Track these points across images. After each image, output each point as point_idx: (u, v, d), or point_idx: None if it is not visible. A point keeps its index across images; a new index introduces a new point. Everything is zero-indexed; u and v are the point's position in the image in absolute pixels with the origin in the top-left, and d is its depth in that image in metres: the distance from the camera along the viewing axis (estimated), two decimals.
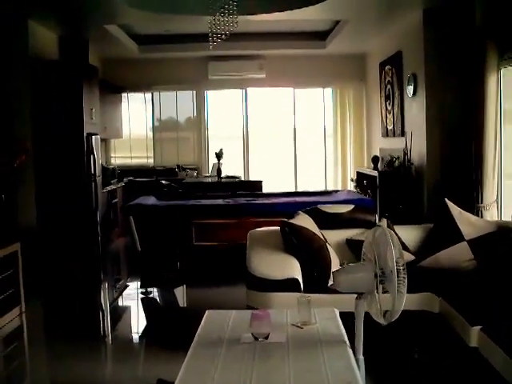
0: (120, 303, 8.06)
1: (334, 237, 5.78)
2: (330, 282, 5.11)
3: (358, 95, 13.75)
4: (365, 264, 3.58)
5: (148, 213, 7.60)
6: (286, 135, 14.04)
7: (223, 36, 7.72)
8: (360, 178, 11.94)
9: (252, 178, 13.12)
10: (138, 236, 7.44)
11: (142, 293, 7.64)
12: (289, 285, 4.90)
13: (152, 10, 7.61)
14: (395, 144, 10.87)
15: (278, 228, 5.78)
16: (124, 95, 13.74)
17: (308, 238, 5.26)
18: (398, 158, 10.11)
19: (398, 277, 3.34)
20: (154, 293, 7.73)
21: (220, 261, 7.75)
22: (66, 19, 9.51)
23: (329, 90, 13.93)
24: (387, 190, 9.95)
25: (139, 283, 7.78)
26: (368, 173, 11.24)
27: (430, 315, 4.99)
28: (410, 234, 5.96)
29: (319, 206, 5.99)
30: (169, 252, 7.71)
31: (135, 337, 6.68)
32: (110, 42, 11.17)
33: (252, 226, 7.10)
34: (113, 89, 12.93)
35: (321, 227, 5.65)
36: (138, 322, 7.26)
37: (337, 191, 9.18)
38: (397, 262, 3.33)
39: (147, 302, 7.57)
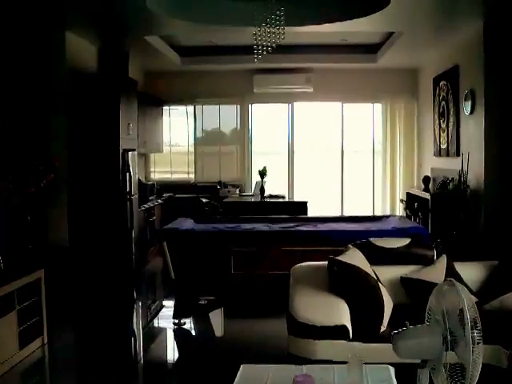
0: (155, 325, 7.73)
1: (387, 274, 5.18)
2: (383, 329, 4.54)
3: (409, 111, 13.10)
4: (431, 326, 2.99)
5: (183, 238, 7.05)
6: (332, 152, 13.46)
7: (269, 48, 7.24)
8: (410, 199, 11.34)
9: (296, 196, 12.56)
10: (171, 263, 6.91)
11: (174, 323, 7.10)
12: (336, 332, 4.33)
13: (192, 21, 7.11)
14: (449, 164, 10.25)
15: (324, 263, 5.23)
16: (165, 108, 13.33)
17: (359, 279, 4.69)
18: (453, 179, 9.47)
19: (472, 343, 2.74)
20: (188, 323, 7.21)
21: (260, 292, 7.24)
22: (105, 30, 9.11)
23: (378, 106, 13.30)
24: (440, 213, 9.32)
25: (172, 313, 7.22)
26: (419, 194, 10.63)
27: (496, 371, 4.32)
28: (471, 272, 5.34)
29: (372, 239, 5.40)
30: (205, 281, 7.17)
31: (169, 364, 6.35)
32: (152, 54, 10.75)
33: (296, 256, 6.64)
34: (154, 102, 12.52)
35: (372, 263, 5.07)
36: (173, 347, 6.94)
37: (388, 216, 8.56)
38: (473, 326, 2.74)
39: (180, 334, 7.06)
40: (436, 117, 11.18)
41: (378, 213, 13.14)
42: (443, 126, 10.67)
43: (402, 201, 11.71)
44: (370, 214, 13.05)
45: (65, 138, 8.58)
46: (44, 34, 8.38)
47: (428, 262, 5.28)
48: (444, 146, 10.63)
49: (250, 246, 7.00)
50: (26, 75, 8.19)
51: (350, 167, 13.39)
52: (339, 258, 4.83)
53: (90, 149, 8.88)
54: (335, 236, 6.96)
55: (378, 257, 5.25)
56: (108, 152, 8.95)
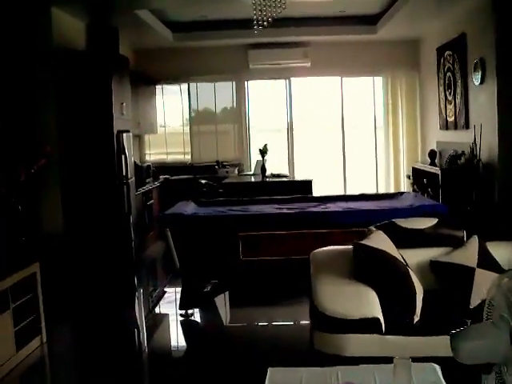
0: (159, 315, 7.35)
1: (415, 258, 4.74)
2: (416, 319, 4.11)
3: (410, 84, 12.64)
4: (496, 324, 2.55)
5: (187, 224, 6.56)
6: (333, 128, 13.01)
7: (269, 19, 6.80)
8: (417, 174, 10.88)
9: (298, 174, 12.07)
10: (175, 251, 6.44)
11: (181, 315, 6.67)
12: (368, 325, 3.90)
13: None
14: (457, 137, 9.85)
15: (345, 248, 4.81)
16: (158, 87, 12.85)
17: (388, 265, 4.24)
18: (463, 153, 9.05)
19: None
20: (195, 314, 6.78)
21: (271, 278, 6.82)
22: (92, 5, 8.56)
23: (379, 79, 12.84)
24: (451, 189, 8.89)
25: (178, 304, 6.78)
26: (427, 169, 10.15)
27: None
28: (503, 253, 4.89)
29: (396, 220, 4.95)
30: (212, 269, 6.71)
31: (177, 358, 6.00)
32: (143, 30, 10.25)
33: (308, 239, 6.24)
34: (146, 81, 12.04)
35: (398, 246, 4.62)
36: (181, 339, 6.57)
37: (401, 193, 8.09)
38: None
39: (188, 326, 6.63)
40: (441, 89, 10.74)
41: (381, 190, 12.77)
42: (450, 97, 10.23)
43: (408, 176, 11.26)
44: (373, 191, 12.69)
45: (54, 120, 8.08)
46: (28, 11, 7.87)
47: (458, 243, 4.83)
48: (451, 119, 10.21)
49: (259, 230, 6.51)
50: (9, 55, 7.71)
51: (352, 143, 12.95)
52: (364, 242, 4.37)
53: (81, 131, 8.37)
54: (350, 217, 6.50)
55: (404, 239, 4.79)
56: (101, 134, 8.43)
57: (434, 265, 4.71)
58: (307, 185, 9.75)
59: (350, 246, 4.72)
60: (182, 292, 6.71)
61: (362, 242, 4.37)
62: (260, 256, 6.50)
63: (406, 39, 12.18)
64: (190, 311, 6.67)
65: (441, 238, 4.90)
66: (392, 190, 12.54)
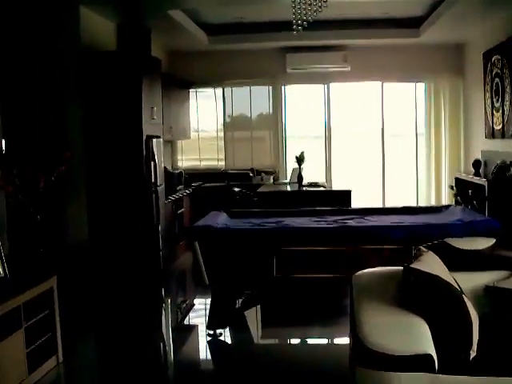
0: (186, 325, 7.11)
1: (469, 282, 4.21)
2: (472, 354, 3.61)
3: (454, 91, 12.09)
4: None
5: (217, 238, 6.08)
6: (372, 135, 12.51)
7: (310, 18, 6.35)
8: (460, 185, 10.34)
9: (335, 184, 11.55)
10: (204, 266, 5.99)
11: (209, 335, 6.21)
12: (419, 363, 3.39)
13: None
14: (505, 147, 9.38)
15: (389, 269, 4.33)
16: (192, 91, 12.47)
17: (442, 292, 3.74)
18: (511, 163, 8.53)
19: None
20: (225, 333, 6.33)
21: (307, 297, 6.38)
22: (122, 4, 8.18)
23: (421, 85, 12.30)
24: (499, 202, 8.36)
25: (206, 323, 6.32)
26: (472, 180, 9.60)
27: None
28: None
29: (449, 240, 4.44)
30: (243, 287, 6.26)
31: (202, 371, 5.72)
32: (176, 32, 9.88)
33: (351, 256, 5.77)
34: (179, 84, 11.65)
35: (450, 268, 4.11)
36: (206, 350, 6.25)
37: (447, 207, 7.56)
38: None
39: (216, 347, 6.18)
40: (488, 95, 10.19)
41: (422, 200, 12.25)
42: (497, 105, 9.69)
43: (451, 187, 10.70)
44: (413, 201, 12.19)
45: (80, 124, 7.74)
46: (56, 10, 7.52)
47: None
48: (498, 127, 9.67)
49: (295, 246, 6.04)
50: (36, 56, 7.38)
51: (392, 152, 12.44)
52: (415, 265, 3.87)
53: (109, 136, 8.00)
54: (395, 233, 6.00)
55: (458, 261, 4.29)
56: (130, 139, 8.04)
57: (490, 291, 4.20)
58: (346, 195, 9.25)
59: (397, 268, 4.24)
60: (211, 310, 6.26)
61: (413, 265, 3.87)
62: (295, 273, 6.03)
63: (449, 43, 11.65)
64: (218, 331, 6.20)
65: (498, 261, 4.38)
66: (433, 201, 12.07)
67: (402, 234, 5.95)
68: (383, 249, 5.88)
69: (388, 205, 12.01)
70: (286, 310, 6.97)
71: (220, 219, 6.73)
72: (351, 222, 6.44)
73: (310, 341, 6.46)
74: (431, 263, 4.00)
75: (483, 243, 4.44)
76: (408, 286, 3.85)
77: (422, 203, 12.17)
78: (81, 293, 6.80)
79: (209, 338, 6.20)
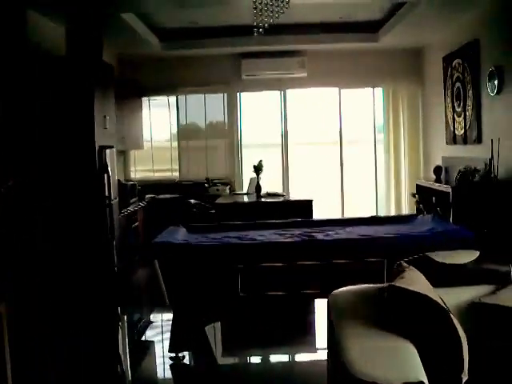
0: (143, 344, 6.70)
1: (453, 298, 3.89)
2: (464, 378, 3.30)
3: (413, 96, 11.90)
4: None
5: (177, 255, 5.68)
6: (330, 142, 12.24)
7: (272, 20, 6.06)
8: (422, 192, 10.10)
9: (293, 193, 11.18)
10: (165, 285, 5.59)
11: (171, 358, 5.81)
12: None
13: None
14: (467, 152, 9.15)
15: (369, 287, 4.01)
16: (145, 99, 12.03)
17: (430, 311, 3.42)
18: (475, 169, 8.29)
19: None
20: (187, 356, 5.93)
21: (275, 317, 6.02)
22: (73, 7, 7.75)
23: (379, 90, 12.06)
24: (464, 209, 8.11)
25: (168, 346, 5.88)
26: (435, 187, 9.36)
27: None
28: None
29: (430, 254, 4.13)
30: (206, 306, 5.86)
31: None
32: (127, 37, 9.49)
33: (318, 271, 5.46)
34: (132, 92, 11.22)
35: (434, 284, 3.80)
36: (164, 370, 5.84)
37: (415, 216, 7.30)
38: None
39: (178, 371, 5.78)
40: (449, 100, 10.00)
41: (381, 208, 12.02)
42: (459, 109, 9.49)
43: (413, 195, 10.44)
44: (373, 209, 11.96)
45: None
46: (2, 13, 7.05)
47: (503, 280, 4.03)
48: (460, 133, 9.47)
49: (260, 262, 5.68)
50: None
51: (350, 159, 12.17)
52: (399, 283, 3.54)
53: (59, 146, 7.55)
54: (367, 246, 5.69)
55: (441, 276, 3.98)
56: (81, 150, 7.61)
57: (476, 307, 3.90)
58: (307, 205, 8.93)
59: (374, 286, 3.95)
60: (172, 332, 5.84)
61: (397, 283, 3.54)
62: (261, 291, 5.67)
63: (408, 48, 11.45)
64: (181, 354, 5.80)
65: (483, 275, 4.08)
66: (393, 209, 11.87)
67: (375, 247, 5.65)
68: (354, 263, 5.55)
69: (347, 214, 11.79)
70: (249, 327, 6.65)
71: (179, 235, 6.33)
72: (319, 235, 6.09)
73: (278, 361, 6.16)
74: (415, 280, 3.69)
75: (466, 257, 4.14)
76: (392, 306, 3.52)
77: (382, 211, 11.94)
78: (34, 316, 6.32)
79: (170, 362, 5.79)
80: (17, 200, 6.48)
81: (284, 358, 6.25)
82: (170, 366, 5.79)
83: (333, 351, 3.54)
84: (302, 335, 6.36)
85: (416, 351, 3.30)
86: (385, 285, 3.81)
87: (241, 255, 5.72)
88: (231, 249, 5.78)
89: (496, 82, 7.94)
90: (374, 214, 11.87)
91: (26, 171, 6.69)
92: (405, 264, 3.94)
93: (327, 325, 3.93)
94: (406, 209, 11.69)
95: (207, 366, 5.85)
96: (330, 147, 12.24)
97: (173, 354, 5.80)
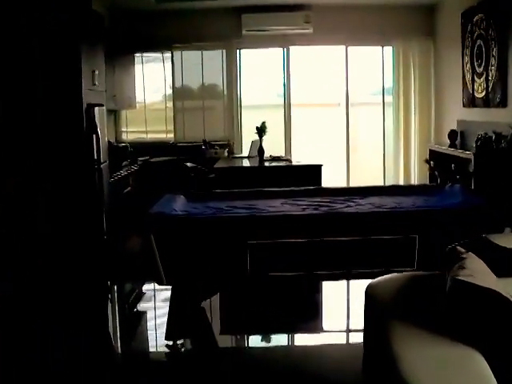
0: (135, 318, 6.23)
1: None
2: None
3: (425, 55, 11.09)
4: None
5: (178, 229, 4.93)
6: (336, 104, 11.55)
7: None
8: (436, 159, 9.38)
9: (295, 157, 10.44)
10: (162, 263, 4.83)
11: (167, 346, 5.09)
12: None
13: None
14: (488, 116, 8.46)
15: (410, 275, 3.37)
16: (137, 56, 11.22)
17: (505, 314, 2.69)
18: (501, 135, 7.58)
19: None
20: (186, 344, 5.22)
21: (289, 300, 5.33)
22: None
23: (389, 49, 11.25)
24: (487, 177, 7.41)
25: (164, 333, 5.16)
26: (453, 153, 8.63)
27: None
28: None
29: (490, 236, 3.41)
30: (210, 289, 5.14)
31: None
32: None
33: (342, 248, 4.74)
34: (123, 47, 10.40)
35: (497, 274, 3.08)
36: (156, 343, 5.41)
37: (440, 186, 6.56)
38: None
39: (175, 361, 5.05)
40: (467, 60, 9.22)
41: (389, 176, 11.29)
42: (479, 70, 8.73)
43: (427, 161, 9.68)
44: (380, 176, 11.26)
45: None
46: None
47: None
48: (481, 95, 8.73)
49: (274, 237, 4.91)
50: None
51: (357, 121, 11.46)
52: (465, 277, 2.80)
53: (40, 105, 6.74)
54: (398, 218, 4.96)
55: (503, 263, 3.27)
56: (67, 108, 6.80)
57: None
58: (316, 171, 8.19)
59: (419, 273, 3.26)
60: (170, 317, 5.10)
61: (460, 276, 2.80)
62: (273, 271, 4.94)
63: (421, 3, 10.66)
64: (179, 341, 5.09)
65: None
66: (402, 176, 11.11)
67: (407, 220, 4.92)
68: (381, 239, 4.83)
69: (353, 181, 11.11)
70: (253, 308, 5.98)
71: (178, 204, 5.56)
72: (339, 206, 5.34)
73: (280, 344, 5.51)
74: (480, 271, 2.96)
75: None
76: (456, 305, 2.79)
77: (390, 178, 11.24)
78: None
79: (166, 350, 5.08)
80: None
81: (285, 341, 5.65)
82: (166, 354, 5.08)
83: (381, 357, 2.83)
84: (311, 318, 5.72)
85: (486, 363, 2.59)
86: (434, 273, 3.12)
87: (252, 230, 4.94)
88: (241, 222, 5.00)
89: None
90: (382, 180, 11.20)
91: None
92: (461, 249, 3.20)
93: (365, 319, 3.24)
94: (416, 176, 10.96)
95: (208, 354, 5.14)
96: (335, 110, 11.61)
97: (170, 342, 5.08)
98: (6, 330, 4.90)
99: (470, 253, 3.14)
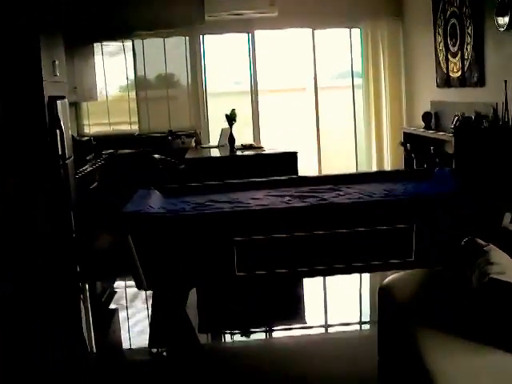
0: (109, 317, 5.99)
1: None
2: None
3: (394, 36, 10.81)
4: None
5: (159, 229, 4.54)
6: (304, 89, 11.24)
7: None
8: (411, 141, 9.13)
9: (265, 144, 10.06)
10: (142, 266, 4.44)
11: (151, 354, 4.72)
12: None
13: None
14: (465, 96, 8.19)
15: (426, 272, 3.08)
16: (97, 45, 10.75)
17: None
18: (480, 114, 7.34)
19: None
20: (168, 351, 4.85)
21: (279, 300, 5.01)
22: None
23: (357, 31, 10.96)
24: (467, 160, 7.15)
25: (147, 342, 4.80)
26: (430, 135, 8.38)
27: None
28: None
29: (507, 225, 3.12)
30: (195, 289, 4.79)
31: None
32: None
33: (332, 243, 4.45)
34: (82, 37, 9.94)
35: None
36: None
37: (429, 170, 6.27)
38: None
39: (159, 369, 4.70)
40: (440, 39, 8.95)
41: (362, 161, 11.01)
42: (454, 49, 8.46)
43: (402, 143, 9.42)
44: (353, 162, 10.98)
45: None
46: None
47: None
48: (456, 75, 8.46)
49: (262, 233, 4.56)
50: None
51: (326, 107, 11.11)
52: (495, 274, 2.50)
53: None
54: (393, 207, 4.65)
55: None
56: (27, 101, 6.40)
57: None
58: (291, 159, 7.89)
59: (436, 270, 2.94)
60: (152, 323, 4.74)
61: (495, 275, 2.49)
62: (262, 270, 4.59)
63: None
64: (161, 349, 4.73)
65: None
66: (374, 160, 10.83)
67: (404, 209, 4.61)
68: (375, 230, 4.52)
69: (325, 169, 10.80)
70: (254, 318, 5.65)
71: (153, 201, 5.15)
72: (329, 196, 5.00)
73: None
74: (505, 265, 2.65)
75: None
76: (490, 306, 2.48)
77: (363, 164, 10.98)
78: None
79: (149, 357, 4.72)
80: None
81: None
82: (149, 361, 4.72)
83: (405, 363, 2.53)
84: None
85: None
86: (449, 268, 2.82)
87: (239, 226, 4.57)
88: (226, 218, 4.63)
89: (508, 17, 6.89)
90: (354, 166, 10.94)
91: None
92: (481, 241, 2.90)
93: (380, 320, 2.94)
94: (389, 160, 10.70)
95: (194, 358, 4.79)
96: (303, 95, 11.33)
97: (154, 350, 4.72)
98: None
99: (491, 245, 2.84)
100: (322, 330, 5.44)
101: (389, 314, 3.00)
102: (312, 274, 4.82)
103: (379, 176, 5.98)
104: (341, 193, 5.11)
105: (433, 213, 4.51)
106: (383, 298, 3.06)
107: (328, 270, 4.56)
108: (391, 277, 3.18)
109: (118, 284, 6.98)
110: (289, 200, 4.97)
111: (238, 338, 5.43)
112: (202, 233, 4.52)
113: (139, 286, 4.50)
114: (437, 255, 4.40)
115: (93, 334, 5.57)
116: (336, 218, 4.54)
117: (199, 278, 4.64)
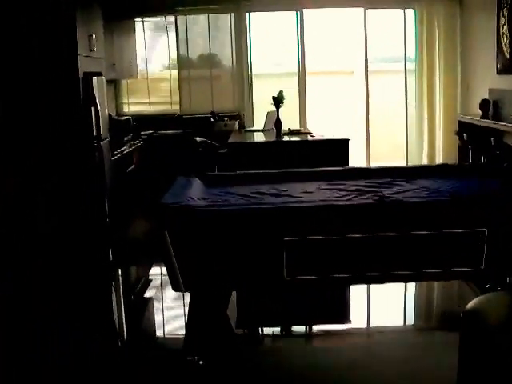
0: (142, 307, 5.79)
1: None
2: None
3: (452, 18, 10.22)
4: None
5: (200, 225, 4.01)
6: (352, 73, 10.91)
7: None
8: (467, 131, 8.59)
9: (312, 129, 9.58)
10: (180, 267, 3.93)
11: (186, 361, 4.26)
12: None
13: None
14: None
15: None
16: (138, 21, 10.38)
17: None
18: None
19: None
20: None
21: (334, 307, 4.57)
22: None
23: (411, 12, 10.38)
24: None
25: (183, 348, 4.35)
26: (490, 126, 7.84)
27: None
28: None
29: None
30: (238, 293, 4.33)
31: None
32: None
33: (394, 246, 3.95)
34: (122, 11, 9.54)
35: None
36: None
37: (497, 165, 5.75)
38: None
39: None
40: (504, 21, 8.37)
41: (412, 149, 10.49)
42: None
43: (458, 133, 8.86)
44: (402, 148, 10.48)
45: None
46: None
47: None
48: None
49: (317, 233, 4.02)
50: None
51: (376, 93, 10.66)
52: None
53: (31, 74, 5.95)
54: (466, 208, 4.11)
55: None
56: (61, 77, 6.03)
57: None
58: (342, 146, 7.40)
59: None
60: (189, 330, 4.28)
61: None
62: (315, 274, 4.08)
63: None
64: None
65: None
66: (425, 151, 10.30)
67: (477, 211, 4.08)
68: (441, 234, 4.00)
69: (374, 158, 10.32)
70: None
71: (194, 191, 4.64)
72: (391, 193, 4.45)
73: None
74: None
75: None
76: None
77: (414, 154, 10.46)
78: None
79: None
80: None
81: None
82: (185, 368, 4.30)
83: None
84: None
85: None
86: None
87: (290, 224, 4.05)
88: (276, 215, 4.08)
89: None
90: (404, 156, 10.42)
91: None
92: None
93: (462, 345, 2.47)
94: (441, 151, 10.16)
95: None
96: (351, 78, 11.00)
97: (190, 358, 4.26)
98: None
99: None
100: (365, 332, 5.12)
101: (478, 341, 2.53)
102: (370, 280, 4.32)
103: (442, 170, 5.40)
104: (400, 189, 4.56)
105: (509, 215, 3.98)
106: (470, 324, 2.59)
107: (387, 276, 4.06)
108: (476, 300, 2.71)
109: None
110: (345, 195, 4.45)
111: (276, 335, 5.18)
112: (249, 230, 4.01)
113: (175, 288, 4.02)
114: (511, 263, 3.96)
115: (124, 322, 5.43)
116: (403, 218, 4.02)
117: (243, 280, 4.14)
